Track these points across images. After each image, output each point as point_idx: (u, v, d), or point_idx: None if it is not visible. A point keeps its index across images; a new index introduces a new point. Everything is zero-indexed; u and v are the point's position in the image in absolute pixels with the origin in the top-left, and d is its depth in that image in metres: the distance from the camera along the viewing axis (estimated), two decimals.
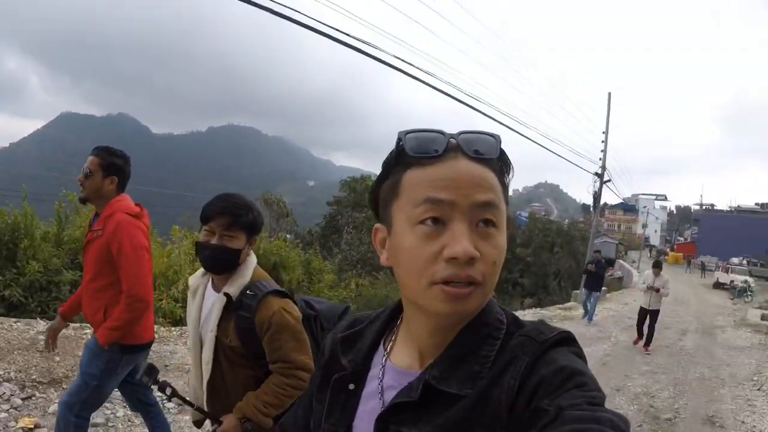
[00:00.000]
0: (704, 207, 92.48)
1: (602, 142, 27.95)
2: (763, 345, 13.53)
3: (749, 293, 28.86)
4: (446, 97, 13.14)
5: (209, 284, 2.53)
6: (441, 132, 0.89)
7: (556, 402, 0.76)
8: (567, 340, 0.89)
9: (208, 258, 2.38)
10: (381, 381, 0.98)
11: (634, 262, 51.19)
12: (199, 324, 2.51)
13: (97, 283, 3.26)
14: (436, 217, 0.84)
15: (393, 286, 16.52)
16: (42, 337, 6.30)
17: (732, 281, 33.11)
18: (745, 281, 30.75)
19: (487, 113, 14.84)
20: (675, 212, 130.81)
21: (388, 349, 1.02)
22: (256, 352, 2.43)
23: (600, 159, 27.68)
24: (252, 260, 2.53)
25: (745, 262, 49.15)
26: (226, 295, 2.38)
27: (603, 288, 17.95)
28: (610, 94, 28.45)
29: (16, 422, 4.57)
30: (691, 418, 7.24)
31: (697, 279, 45.22)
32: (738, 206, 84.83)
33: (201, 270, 2.59)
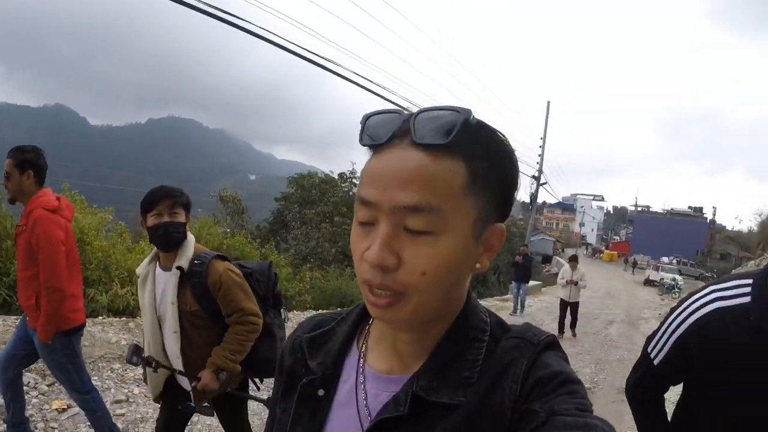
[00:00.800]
0: (639, 208, 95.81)
1: (540, 147, 29.31)
2: None
3: (677, 290, 30.63)
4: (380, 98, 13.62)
5: (156, 269, 2.86)
6: (400, 112, 0.81)
7: (548, 406, 0.75)
8: (553, 343, 0.87)
9: (163, 236, 2.70)
10: (363, 386, 0.91)
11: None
12: (155, 305, 2.82)
13: (27, 272, 3.52)
14: (365, 221, 0.78)
15: (344, 279, 17.17)
16: None
17: (662, 278, 34.83)
18: (674, 279, 32.60)
19: None
20: (612, 212, 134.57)
21: (364, 350, 0.94)
22: (213, 312, 2.81)
23: (537, 163, 29.04)
24: (191, 237, 2.88)
25: (674, 261, 51.79)
26: (179, 268, 2.74)
27: (538, 282, 18.85)
28: (549, 102, 30.14)
29: (50, 405, 5.04)
30: (608, 388, 8.31)
31: (630, 276, 47.26)
32: (671, 209, 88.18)
33: (146, 259, 2.93)
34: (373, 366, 0.91)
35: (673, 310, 1.64)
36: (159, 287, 2.81)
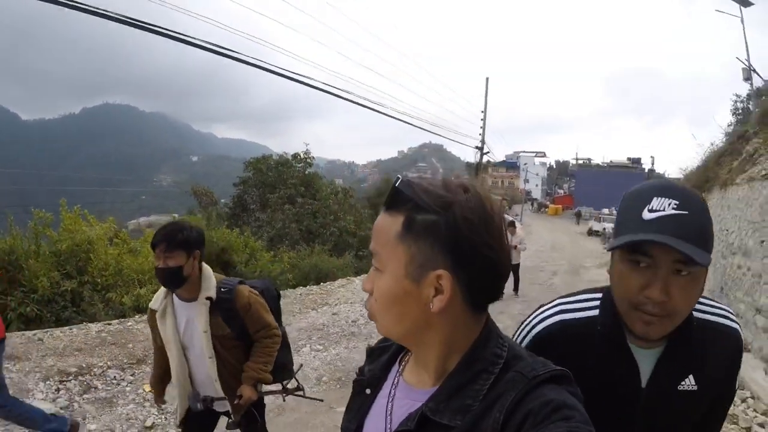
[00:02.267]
0: (580, 161, 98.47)
1: (481, 120, 30.99)
2: None
3: None
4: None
5: (174, 301, 2.98)
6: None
7: None
8: (560, 378, 0.93)
9: (161, 278, 2.84)
10: (392, 392, 1.10)
11: (517, 215, 54.91)
12: (179, 336, 2.96)
13: None
14: None
15: (317, 256, 18.39)
16: (104, 334, 7.87)
17: (604, 228, 36.91)
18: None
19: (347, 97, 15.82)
20: (554, 167, 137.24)
21: (403, 365, 1.13)
22: (240, 332, 3.04)
23: (480, 135, 30.75)
24: (208, 268, 3.03)
25: (614, 210, 54.27)
26: (209, 298, 2.92)
27: None
28: (487, 79, 31.96)
29: (145, 390, 6.00)
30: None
31: (575, 227, 49.68)
32: (611, 161, 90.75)
33: (160, 293, 3.05)
34: (405, 378, 1.09)
35: (521, 322, 1.59)
36: (181, 318, 2.97)
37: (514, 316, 10.60)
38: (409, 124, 20.95)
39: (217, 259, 12.76)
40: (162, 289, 3.01)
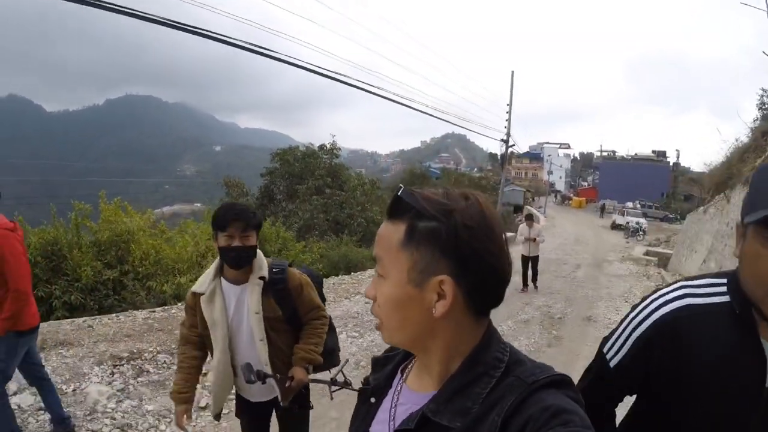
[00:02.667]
0: (605, 153, 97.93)
1: (507, 113, 31.20)
2: (639, 273, 16.98)
3: (641, 232, 32.93)
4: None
5: (222, 283, 2.88)
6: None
7: None
8: (560, 383, 0.94)
9: (234, 258, 2.76)
10: (395, 398, 1.13)
11: (540, 207, 54.65)
12: (227, 319, 2.85)
13: None
14: None
15: (346, 247, 18.68)
16: (150, 321, 8.23)
17: (627, 222, 36.71)
18: (638, 222, 34.83)
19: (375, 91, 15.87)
20: (578, 159, 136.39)
21: (406, 373, 1.16)
22: (290, 314, 2.98)
23: (505, 127, 30.99)
24: (259, 250, 2.94)
25: (639, 205, 54.20)
26: (262, 278, 2.85)
27: (511, 233, 20.47)
28: (513, 72, 31.79)
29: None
30: (575, 317, 10.36)
31: (599, 221, 49.23)
32: (635, 154, 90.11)
33: (206, 275, 2.92)
34: (408, 384, 1.13)
35: (635, 306, 1.46)
36: (230, 301, 2.87)
37: (539, 307, 10.90)
38: (431, 115, 21.06)
39: None
40: (209, 272, 2.92)
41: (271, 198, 26.84)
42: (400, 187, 1.00)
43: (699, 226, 16.35)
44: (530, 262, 12.90)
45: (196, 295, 2.88)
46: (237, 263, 2.79)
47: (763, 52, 19.56)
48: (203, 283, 2.88)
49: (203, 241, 12.20)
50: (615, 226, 40.31)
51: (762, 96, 29.29)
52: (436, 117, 21.68)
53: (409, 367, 1.17)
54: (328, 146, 27.77)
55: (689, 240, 17.40)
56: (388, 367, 1.22)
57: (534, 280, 13.15)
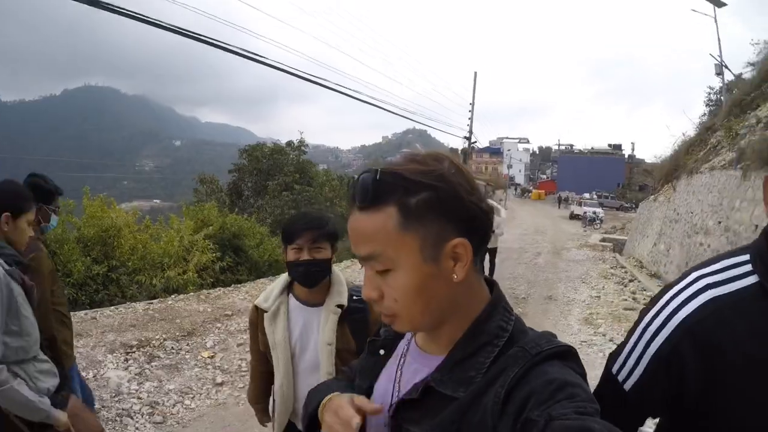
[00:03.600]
0: (563, 147, 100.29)
1: (469, 111, 32.22)
2: (595, 258, 18.18)
3: (598, 221, 34.29)
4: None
5: (290, 301, 2.55)
6: (354, 178, 0.99)
7: (546, 412, 0.79)
8: (564, 354, 0.92)
9: (303, 274, 2.41)
10: (403, 354, 1.13)
11: (501, 200, 55.88)
12: (290, 344, 2.50)
13: None
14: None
15: None
16: (150, 312, 8.67)
17: (584, 212, 38.20)
18: (594, 212, 36.29)
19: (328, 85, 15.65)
20: (537, 153, 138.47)
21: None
22: (362, 348, 2.04)
23: (468, 126, 31.99)
24: (338, 271, 2.58)
25: (595, 195, 55.96)
26: (340, 306, 2.46)
27: None
28: (476, 73, 32.96)
29: (204, 354, 6.90)
30: (538, 297, 11.36)
31: (557, 211, 50.94)
32: (592, 147, 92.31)
33: (273, 289, 2.59)
34: (417, 342, 1.12)
35: (645, 311, 1.21)
36: (296, 323, 2.52)
37: (505, 289, 11.32)
38: (391, 112, 21.51)
39: (229, 244, 13.62)
40: (275, 286, 2.59)
41: (239, 194, 27.08)
42: (373, 171, 0.95)
43: (650, 213, 17.51)
44: (488, 252, 12.60)
45: (259, 311, 2.56)
46: (307, 280, 2.44)
47: (710, 54, 20.88)
48: (268, 297, 2.56)
49: (187, 237, 12.63)
50: (573, 216, 41.66)
51: (709, 94, 30.80)
52: (393, 113, 22.07)
53: None
54: (295, 142, 28.15)
55: (641, 226, 18.55)
56: None
57: (491, 272, 12.77)
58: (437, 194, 0.93)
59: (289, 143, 28.37)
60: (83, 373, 6.03)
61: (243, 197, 26.88)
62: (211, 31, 10.92)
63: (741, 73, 18.45)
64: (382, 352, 1.20)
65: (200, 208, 14.67)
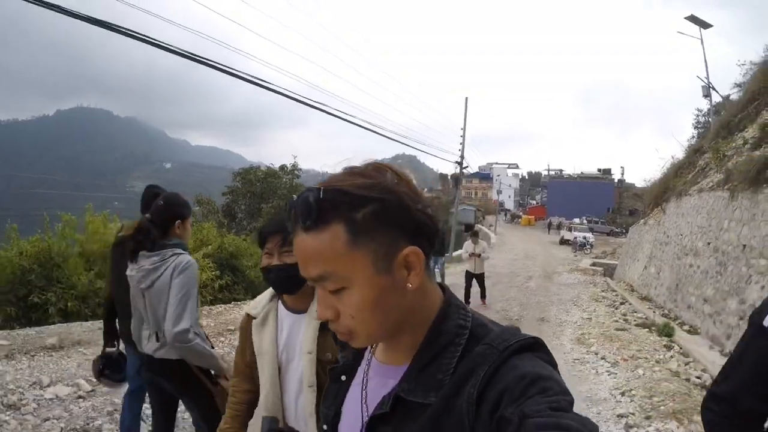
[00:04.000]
0: (552, 172, 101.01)
1: (461, 137, 32.60)
2: (586, 282, 18.45)
3: (588, 246, 34.60)
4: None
5: (278, 308, 2.41)
6: (292, 200, 0.93)
7: (519, 410, 0.77)
8: (532, 345, 0.91)
9: (275, 280, 2.27)
10: (365, 373, 1.10)
11: (491, 225, 56.05)
12: (276, 352, 2.37)
13: None
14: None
15: None
16: None
17: (575, 237, 38.50)
18: (585, 237, 36.65)
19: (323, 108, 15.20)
20: (527, 178, 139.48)
21: (374, 347, 1.12)
22: None
23: (459, 150, 32.35)
24: None
25: (585, 220, 56.40)
26: None
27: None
28: (467, 99, 33.18)
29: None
30: (531, 319, 11.52)
31: (548, 237, 51.33)
32: (581, 172, 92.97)
33: (263, 296, 2.48)
34: (377, 356, 1.10)
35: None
36: (283, 331, 2.38)
37: (498, 311, 12.04)
38: (381, 135, 21.56)
39: (227, 263, 13.74)
40: (266, 293, 2.47)
41: (232, 216, 27.32)
42: (314, 189, 0.91)
43: (640, 236, 17.75)
44: (475, 278, 12.86)
45: (250, 318, 2.45)
46: (279, 287, 2.31)
47: (697, 77, 21.29)
48: (258, 303, 2.45)
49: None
50: (563, 242, 41.92)
51: (697, 116, 31.22)
52: (384, 135, 22.09)
53: None
54: (289, 167, 28.46)
55: (632, 250, 18.79)
56: None
57: (483, 296, 13.06)
58: (383, 206, 0.91)
59: (283, 167, 28.63)
60: (94, 380, 6.28)
61: (236, 219, 27.09)
62: (203, 51, 10.91)
63: (728, 95, 18.82)
64: (343, 377, 1.18)
65: (199, 227, 14.79)
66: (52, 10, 8.25)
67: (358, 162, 0.99)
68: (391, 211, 0.91)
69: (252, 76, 12.16)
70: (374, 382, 1.07)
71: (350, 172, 0.96)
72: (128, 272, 3.15)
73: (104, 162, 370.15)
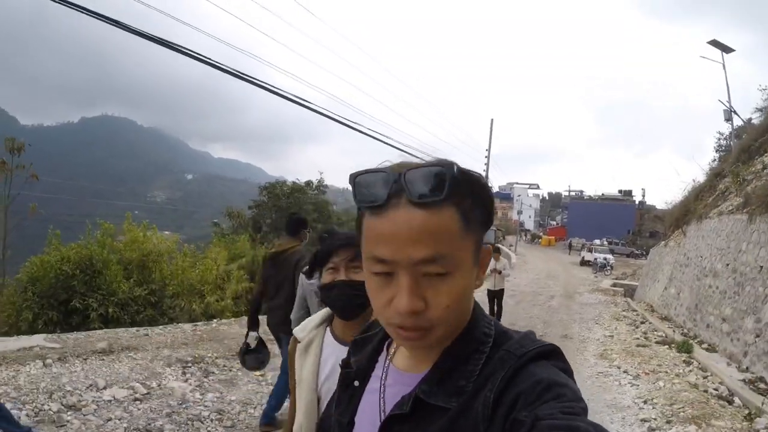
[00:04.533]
0: (573, 193, 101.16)
1: (486, 156, 32.99)
2: (607, 302, 18.85)
3: (609, 267, 34.79)
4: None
5: (326, 335, 2.17)
6: (387, 171, 0.89)
7: (533, 413, 0.78)
8: (549, 353, 0.91)
9: (338, 298, 1.99)
10: (383, 381, 1.06)
11: (511, 245, 56.26)
12: (316, 382, 2.12)
13: None
14: (382, 272, 0.89)
15: None
16: (198, 332, 9.25)
17: (595, 258, 38.75)
18: (605, 258, 36.88)
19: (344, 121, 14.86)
20: (547, 199, 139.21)
21: (391, 352, 1.09)
22: None
23: (484, 171, 32.77)
24: None
25: (606, 242, 56.45)
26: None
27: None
28: (492, 120, 33.66)
29: (255, 373, 6.97)
30: (554, 335, 11.93)
31: (567, 257, 51.51)
32: (602, 194, 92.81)
33: (312, 320, 2.25)
34: (395, 364, 1.06)
35: None
36: (327, 361, 2.13)
37: (521, 328, 12.35)
38: (404, 151, 21.77)
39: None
40: (316, 317, 2.25)
41: (258, 229, 27.81)
42: (447, 165, 0.88)
43: (660, 258, 18.12)
44: (495, 295, 12.73)
45: (296, 341, 2.25)
46: (342, 307, 2.03)
47: (719, 100, 21.61)
48: (305, 327, 2.24)
49: (222, 266, 13.31)
50: (584, 263, 41.96)
51: (719, 139, 31.45)
52: (405, 152, 22.31)
53: (395, 345, 1.11)
54: (315, 182, 28.96)
55: (652, 271, 19.13)
56: (368, 347, 1.16)
57: (498, 317, 12.61)
58: (488, 201, 0.94)
59: (308, 183, 29.06)
60: (147, 382, 6.75)
61: (262, 232, 27.60)
62: (228, 60, 10.70)
63: (750, 119, 19.05)
64: (356, 383, 1.12)
65: (233, 240, 15.31)
66: (76, 9, 8.06)
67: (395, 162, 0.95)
68: (489, 208, 0.95)
69: (276, 87, 12.02)
70: (393, 390, 1.03)
71: (434, 161, 0.91)
72: (308, 282, 3.99)
73: (127, 170, 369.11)
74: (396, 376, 1.04)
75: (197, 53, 10.03)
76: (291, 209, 27.13)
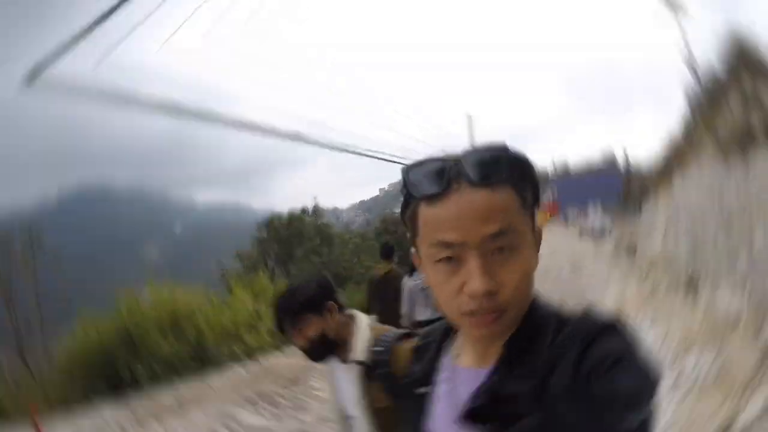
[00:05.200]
0: (558, 169, 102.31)
1: None
2: (611, 264, 20.01)
3: (607, 232, 34.83)
4: None
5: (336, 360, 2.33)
6: (442, 159, 0.92)
7: (609, 387, 0.81)
8: (612, 327, 0.90)
9: (310, 357, 2.27)
10: (451, 382, 1.04)
11: None
12: (339, 401, 2.36)
13: None
14: (450, 256, 0.90)
15: (360, 294, 19.87)
16: (251, 371, 9.88)
17: (591, 223, 39.20)
18: (601, 221, 37.27)
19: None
20: None
21: (454, 353, 1.07)
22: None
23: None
24: (360, 319, 2.31)
25: (600, 206, 56.75)
26: (358, 362, 2.17)
27: None
28: (470, 117, 33.28)
29: (318, 393, 7.42)
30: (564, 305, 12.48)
31: (564, 230, 52.11)
32: (587, 162, 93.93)
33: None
34: (462, 363, 1.04)
35: None
36: (339, 382, 2.34)
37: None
38: (387, 160, 20.42)
39: None
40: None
41: (265, 265, 28.06)
42: (502, 149, 0.92)
43: (653, 213, 18.90)
44: None
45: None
46: (314, 360, 2.28)
47: (679, 53, 22.05)
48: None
49: (250, 305, 13.86)
50: (583, 232, 41.98)
51: (687, 90, 31.75)
52: (386, 160, 21.18)
53: (455, 345, 1.09)
54: (310, 209, 29.30)
55: (648, 227, 19.89)
56: (428, 354, 1.14)
57: None
58: (536, 181, 0.97)
59: (304, 210, 29.35)
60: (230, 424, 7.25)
61: (267, 267, 27.80)
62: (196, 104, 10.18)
63: (712, 66, 19.61)
64: (422, 389, 1.10)
65: (254, 279, 15.78)
66: None
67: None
68: (538, 189, 0.98)
69: (251, 124, 11.82)
70: (465, 387, 1.00)
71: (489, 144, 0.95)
72: (409, 283, 5.87)
73: (113, 240, 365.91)
74: (464, 374, 1.03)
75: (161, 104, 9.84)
76: (293, 239, 27.53)
